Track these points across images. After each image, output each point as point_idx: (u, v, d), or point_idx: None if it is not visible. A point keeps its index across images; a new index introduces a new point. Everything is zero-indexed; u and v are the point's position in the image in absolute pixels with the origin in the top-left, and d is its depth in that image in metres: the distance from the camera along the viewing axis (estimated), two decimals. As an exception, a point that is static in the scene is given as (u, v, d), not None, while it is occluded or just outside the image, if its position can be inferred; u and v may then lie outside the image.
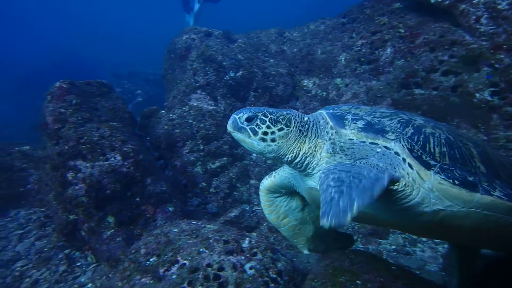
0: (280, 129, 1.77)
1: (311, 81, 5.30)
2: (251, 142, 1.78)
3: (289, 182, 2.15)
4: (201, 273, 2.09)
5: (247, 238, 2.49)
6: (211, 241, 2.40)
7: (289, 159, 1.81)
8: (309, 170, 1.82)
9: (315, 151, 1.80)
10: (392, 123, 1.67)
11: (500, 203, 1.45)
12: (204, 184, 4.38)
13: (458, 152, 1.58)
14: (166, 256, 2.33)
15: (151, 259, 2.37)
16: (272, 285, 2.09)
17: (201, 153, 4.52)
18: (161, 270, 2.21)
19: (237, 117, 1.81)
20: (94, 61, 17.81)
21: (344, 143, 1.72)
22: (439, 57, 3.80)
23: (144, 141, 4.51)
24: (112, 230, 3.24)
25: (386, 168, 1.54)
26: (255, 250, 2.35)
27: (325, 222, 1.17)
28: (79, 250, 3.51)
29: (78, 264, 3.39)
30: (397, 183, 1.50)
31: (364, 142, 1.66)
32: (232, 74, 5.15)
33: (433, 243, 3.30)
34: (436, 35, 3.95)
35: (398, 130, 1.62)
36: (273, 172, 2.24)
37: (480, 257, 2.19)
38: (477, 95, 3.44)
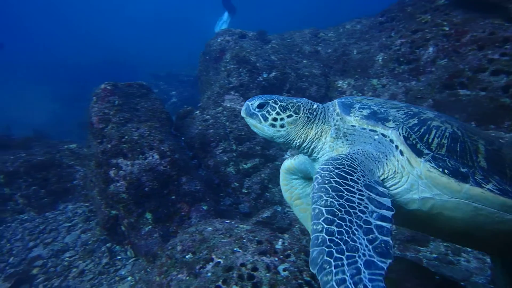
0: (289, 116, 1.88)
1: (346, 82, 5.19)
2: (261, 127, 1.90)
3: (306, 168, 2.22)
4: (236, 272, 2.11)
5: (280, 240, 2.48)
6: (244, 241, 2.42)
7: (297, 144, 1.92)
8: (315, 155, 1.91)
9: (321, 136, 1.89)
10: (398, 113, 1.70)
11: (491, 197, 1.43)
12: (236, 184, 4.42)
13: (460, 146, 1.57)
14: (201, 254, 2.38)
15: (187, 256, 2.43)
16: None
17: (234, 154, 4.58)
18: (197, 267, 2.26)
19: (249, 103, 1.94)
20: (135, 61, 18.62)
21: (347, 129, 1.79)
22: (488, 56, 3.58)
23: (180, 141, 4.64)
24: (150, 226, 3.36)
25: (379, 158, 1.60)
26: (289, 251, 2.34)
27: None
28: (120, 244, 3.68)
29: (119, 257, 3.56)
30: (387, 172, 1.57)
31: (364, 128, 1.72)
32: (265, 75, 5.17)
33: (479, 253, 3.10)
34: (486, 32, 3.72)
35: (401, 120, 1.65)
36: (295, 155, 2.32)
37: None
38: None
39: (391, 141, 1.61)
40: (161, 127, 4.04)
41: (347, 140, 1.78)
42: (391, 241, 1.24)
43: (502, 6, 3.65)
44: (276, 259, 2.26)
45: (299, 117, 1.89)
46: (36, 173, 4.64)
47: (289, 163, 2.33)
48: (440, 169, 1.48)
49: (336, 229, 1.22)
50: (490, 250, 1.94)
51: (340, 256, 1.16)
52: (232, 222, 2.81)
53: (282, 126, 1.88)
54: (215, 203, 3.88)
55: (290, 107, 1.90)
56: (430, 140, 1.57)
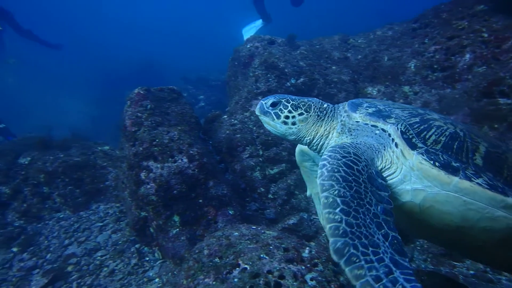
0: (300, 114, 2.01)
1: (376, 89, 5.08)
2: (274, 124, 2.04)
3: (315, 156, 2.39)
4: (262, 279, 2.10)
5: (307, 248, 2.45)
6: (271, 247, 2.41)
7: (308, 140, 2.05)
8: (323, 151, 2.02)
9: (329, 133, 2.01)
10: (402, 113, 1.79)
11: (480, 190, 1.46)
12: (262, 189, 4.42)
13: (457, 144, 1.62)
14: (227, 259, 2.39)
15: (213, 260, 2.45)
16: (334, 299, 2.03)
17: (261, 159, 4.58)
18: (224, 272, 2.27)
19: (263, 102, 2.08)
20: (167, 64, 19.17)
21: (351, 124, 1.91)
22: (531, 64, 3.40)
23: (207, 145, 4.71)
24: (177, 229, 3.42)
25: (379, 149, 1.72)
26: (316, 260, 2.30)
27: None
28: (148, 245, 3.76)
29: (147, 258, 3.64)
30: (384, 162, 1.67)
31: (367, 124, 1.83)
32: (293, 81, 5.16)
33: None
34: (528, 39, 3.54)
35: (403, 118, 1.74)
36: None
37: None
38: None
39: (389, 135, 1.71)
40: (190, 131, 4.12)
41: (351, 134, 1.90)
42: (399, 237, 1.31)
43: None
44: (303, 267, 2.23)
45: (310, 115, 2.02)
46: (72, 174, 4.87)
47: (302, 146, 2.47)
48: (432, 162, 1.54)
49: (354, 221, 1.29)
50: (489, 258, 1.88)
51: (366, 251, 1.21)
52: (259, 228, 2.80)
53: (293, 123, 2.01)
54: (241, 207, 3.90)
55: (301, 106, 2.03)
56: (427, 137, 1.64)
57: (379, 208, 1.39)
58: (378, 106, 1.88)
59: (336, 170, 1.46)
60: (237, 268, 2.26)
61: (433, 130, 1.66)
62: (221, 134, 4.78)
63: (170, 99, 4.46)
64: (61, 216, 4.59)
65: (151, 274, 3.40)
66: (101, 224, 4.26)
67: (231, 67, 6.11)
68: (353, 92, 5.20)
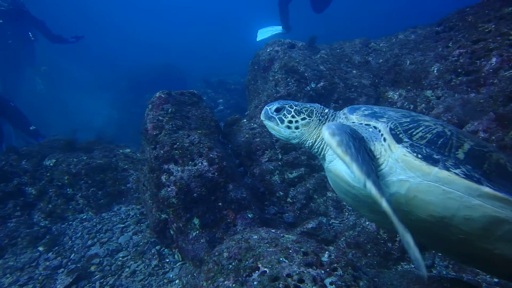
0: (303, 119, 2.16)
1: (397, 93, 4.99)
2: (278, 129, 2.20)
3: None
4: (282, 282, 2.10)
5: (327, 252, 2.43)
6: (290, 251, 2.40)
7: (310, 144, 2.19)
8: (324, 152, 2.14)
9: None
10: (395, 114, 1.93)
11: (457, 180, 1.55)
12: (281, 193, 4.41)
13: (442, 140, 1.72)
14: (247, 262, 2.40)
15: (233, 263, 2.46)
16: (354, 305, 2.00)
17: (279, 162, 4.58)
18: (243, 275, 2.28)
19: (268, 108, 2.24)
20: (190, 67, 19.54)
21: (348, 125, 1.97)
22: (562, 66, 3.26)
23: (227, 148, 4.75)
24: (197, 232, 3.45)
25: (371, 139, 1.86)
26: (335, 265, 2.28)
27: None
28: (168, 247, 3.81)
29: (167, 260, 3.68)
30: (373, 151, 1.79)
31: (361, 123, 1.98)
32: (313, 85, 5.14)
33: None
34: (559, 41, 3.40)
35: (394, 118, 1.88)
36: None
37: None
38: None
39: (379, 131, 1.85)
40: (210, 135, 4.16)
41: None
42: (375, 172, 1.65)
43: None
44: (323, 271, 2.21)
45: (312, 120, 2.17)
46: (95, 176, 5.00)
47: None
48: (415, 154, 1.66)
49: (352, 144, 1.62)
50: (473, 258, 1.93)
51: (356, 152, 1.59)
52: (278, 232, 2.79)
53: (296, 128, 2.16)
54: (260, 211, 3.90)
55: (304, 111, 2.18)
56: (413, 133, 1.76)
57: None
58: (374, 109, 2.02)
59: (339, 127, 1.71)
60: (257, 271, 2.26)
61: (421, 128, 1.79)
62: (240, 138, 4.81)
63: (190, 103, 4.53)
64: (84, 217, 4.72)
65: (171, 275, 3.44)
66: (122, 225, 4.35)
67: (251, 71, 6.15)
68: (374, 96, 5.13)
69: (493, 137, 3.37)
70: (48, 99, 15.16)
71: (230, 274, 2.38)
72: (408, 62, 4.99)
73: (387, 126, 1.83)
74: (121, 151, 5.54)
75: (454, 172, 1.57)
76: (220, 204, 3.58)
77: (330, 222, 4.11)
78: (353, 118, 2.04)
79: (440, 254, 3.25)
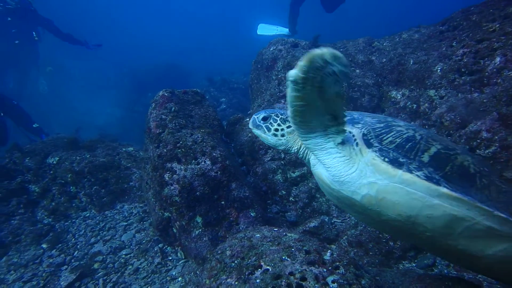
0: (288, 127, 2.29)
1: (400, 93, 4.98)
2: (265, 136, 2.33)
3: None
4: (284, 280, 2.10)
5: (329, 251, 2.43)
6: (292, 249, 2.41)
7: (295, 150, 2.31)
8: (308, 157, 2.23)
9: None
10: (371, 120, 2.02)
11: (418, 181, 1.65)
12: (284, 192, 4.42)
13: (410, 145, 1.81)
14: (250, 260, 2.40)
15: (236, 261, 2.47)
16: (357, 303, 2.00)
17: (282, 162, 4.58)
18: (246, 273, 2.29)
19: (256, 117, 2.36)
20: (193, 66, 19.55)
21: None
22: None
23: (230, 147, 4.75)
24: (200, 230, 3.46)
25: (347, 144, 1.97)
26: (337, 263, 2.28)
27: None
28: (171, 245, 3.82)
29: (170, 258, 3.70)
30: (344, 152, 1.90)
31: None
32: (316, 85, 5.12)
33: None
34: None
35: (369, 123, 1.98)
36: None
37: None
38: None
39: (353, 135, 1.93)
40: (213, 134, 4.17)
41: None
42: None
43: None
44: (325, 270, 2.21)
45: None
46: (98, 174, 5.02)
47: None
48: (382, 158, 1.76)
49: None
50: (445, 253, 2.00)
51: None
52: (280, 230, 2.80)
53: (282, 135, 2.30)
54: (262, 210, 3.91)
55: (289, 120, 2.25)
56: (384, 138, 1.85)
57: None
58: (353, 115, 2.12)
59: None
60: (259, 269, 2.26)
61: (392, 133, 1.88)
62: (243, 137, 4.81)
63: (193, 102, 4.53)
64: (87, 215, 4.74)
65: (174, 273, 3.45)
66: (125, 223, 4.37)
67: (254, 70, 6.15)
68: (377, 96, 5.12)
69: (496, 137, 3.36)
70: (52, 99, 15.23)
71: (233, 272, 2.39)
72: (411, 61, 4.97)
73: (361, 131, 1.92)
74: (124, 149, 5.56)
75: (416, 174, 1.67)
76: (223, 202, 3.59)
77: (332, 221, 4.11)
78: None
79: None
